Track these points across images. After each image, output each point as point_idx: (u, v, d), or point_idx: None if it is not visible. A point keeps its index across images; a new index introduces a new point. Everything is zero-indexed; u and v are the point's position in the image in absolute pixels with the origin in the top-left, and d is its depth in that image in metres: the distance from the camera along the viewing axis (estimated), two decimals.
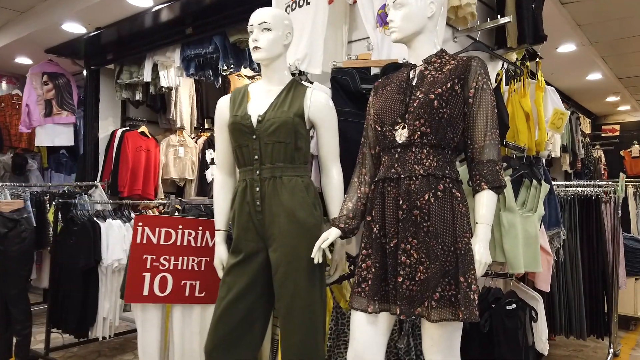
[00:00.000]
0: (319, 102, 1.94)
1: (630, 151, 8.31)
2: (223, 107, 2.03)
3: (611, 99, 7.45)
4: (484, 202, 1.61)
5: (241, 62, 3.84)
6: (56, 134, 4.86)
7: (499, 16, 2.64)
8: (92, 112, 4.85)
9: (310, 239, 1.81)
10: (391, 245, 1.61)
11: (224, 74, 4.30)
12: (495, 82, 2.60)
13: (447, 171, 1.62)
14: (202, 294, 2.41)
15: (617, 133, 8.68)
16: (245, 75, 4.98)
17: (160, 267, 2.34)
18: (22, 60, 5.30)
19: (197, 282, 2.40)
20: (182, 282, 2.38)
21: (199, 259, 2.41)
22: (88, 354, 3.65)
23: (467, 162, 1.69)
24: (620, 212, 3.47)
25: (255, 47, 1.90)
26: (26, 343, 3.21)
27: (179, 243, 2.38)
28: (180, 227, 2.38)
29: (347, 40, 2.62)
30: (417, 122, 1.61)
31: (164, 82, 4.36)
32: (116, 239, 3.29)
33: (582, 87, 6.69)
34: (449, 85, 1.62)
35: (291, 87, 1.97)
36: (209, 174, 5.00)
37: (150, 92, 4.55)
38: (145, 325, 2.44)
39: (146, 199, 4.51)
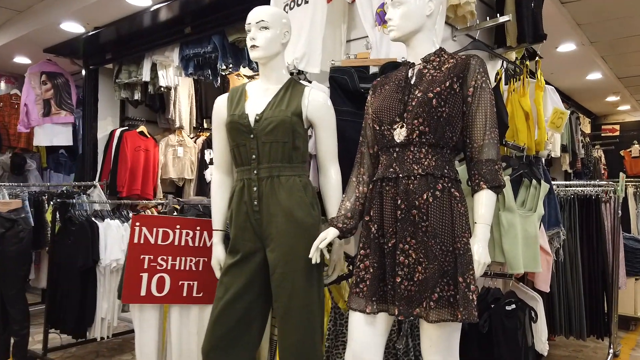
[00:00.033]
0: (317, 101, 1.93)
1: (630, 151, 8.30)
2: (220, 106, 2.02)
3: (611, 98, 7.44)
4: (483, 202, 1.60)
5: (240, 62, 3.83)
6: (55, 133, 4.85)
7: (498, 15, 2.63)
8: (91, 112, 4.84)
9: (308, 239, 1.80)
10: (389, 245, 1.60)
11: (223, 73, 4.29)
12: (495, 81, 2.59)
13: (445, 171, 1.61)
14: (200, 294, 2.40)
15: (617, 133, 8.66)
16: (244, 75, 4.97)
17: (158, 268, 2.33)
18: (21, 59, 5.30)
19: (195, 283, 2.39)
20: (180, 282, 2.36)
21: (197, 259, 2.39)
22: (86, 354, 3.64)
23: (466, 161, 1.67)
24: (620, 212, 3.47)
25: (253, 46, 1.89)
26: (24, 343, 3.20)
27: (176, 243, 2.36)
28: (177, 227, 2.37)
29: (345, 39, 2.61)
30: (416, 121, 1.60)
31: (162, 82, 4.35)
32: (114, 239, 3.28)
33: (582, 86, 6.68)
34: (447, 84, 1.61)
35: (289, 86, 1.96)
36: (208, 173, 4.98)
37: (149, 91, 4.55)
38: (142, 325, 2.43)
39: (145, 199, 4.50)
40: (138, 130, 4.74)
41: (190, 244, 2.39)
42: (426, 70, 1.67)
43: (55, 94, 4.82)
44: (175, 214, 2.74)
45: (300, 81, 2.12)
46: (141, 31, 4.13)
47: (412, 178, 1.59)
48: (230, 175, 2.08)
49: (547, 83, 3.00)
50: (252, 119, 1.88)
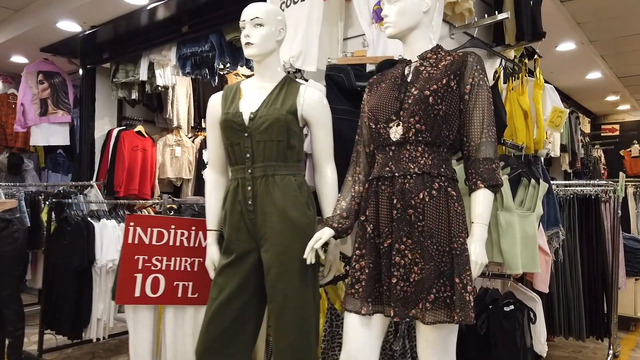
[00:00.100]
0: (312, 100, 1.90)
1: (630, 151, 8.27)
2: (215, 104, 1.99)
3: (611, 98, 7.42)
4: (480, 201, 1.57)
5: (237, 61, 3.81)
6: (51, 133, 4.83)
7: (496, 12, 2.61)
8: (88, 112, 4.82)
9: (303, 238, 1.77)
10: (385, 245, 1.57)
11: (221, 72, 4.26)
12: (493, 79, 2.57)
13: (442, 169, 1.58)
14: (195, 295, 2.37)
15: (617, 132, 8.64)
16: (243, 75, 4.94)
17: (152, 268, 2.31)
18: (18, 59, 5.27)
19: (190, 283, 2.37)
20: (175, 283, 2.34)
21: (192, 259, 2.37)
22: (82, 355, 3.62)
23: (463, 160, 1.65)
24: (620, 211, 3.45)
25: (247, 43, 1.86)
26: (19, 344, 3.17)
27: (171, 243, 2.34)
28: (172, 227, 2.35)
29: (342, 37, 2.59)
30: (412, 119, 1.57)
31: (160, 81, 4.33)
32: (110, 239, 3.25)
33: (581, 86, 6.65)
34: (444, 81, 1.58)
35: (284, 84, 1.93)
36: (206, 173, 4.96)
37: (147, 91, 4.53)
38: (136, 326, 2.41)
39: (142, 199, 4.48)
40: (135, 129, 4.72)
41: (186, 244, 2.36)
42: (423, 68, 1.65)
43: (52, 93, 4.80)
44: (172, 213, 2.72)
45: (297, 79, 2.10)
46: (138, 30, 4.11)
47: (408, 177, 1.57)
48: (225, 174, 2.05)
49: (546, 82, 2.98)
50: (246, 117, 1.86)
